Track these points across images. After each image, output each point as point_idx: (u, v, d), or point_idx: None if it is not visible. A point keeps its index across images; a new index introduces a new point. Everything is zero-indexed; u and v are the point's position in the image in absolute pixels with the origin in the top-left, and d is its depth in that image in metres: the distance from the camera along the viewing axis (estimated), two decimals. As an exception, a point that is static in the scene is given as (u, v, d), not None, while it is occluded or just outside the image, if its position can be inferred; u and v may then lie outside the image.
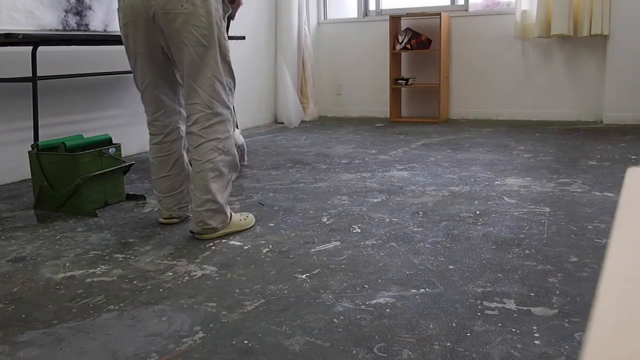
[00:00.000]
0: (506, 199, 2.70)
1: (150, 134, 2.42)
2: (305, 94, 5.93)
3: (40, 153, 2.74)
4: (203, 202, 2.21)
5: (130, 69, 2.56)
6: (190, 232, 2.29)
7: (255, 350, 1.41)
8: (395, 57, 5.65)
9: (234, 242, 2.22)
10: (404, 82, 5.59)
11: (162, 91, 2.34)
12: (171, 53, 2.21)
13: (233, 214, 2.35)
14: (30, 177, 3.38)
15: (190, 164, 2.34)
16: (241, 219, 2.36)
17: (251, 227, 2.38)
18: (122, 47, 4.08)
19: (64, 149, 2.72)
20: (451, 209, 2.57)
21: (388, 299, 1.67)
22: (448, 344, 1.41)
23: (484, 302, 1.63)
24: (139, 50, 2.23)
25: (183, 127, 2.43)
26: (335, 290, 1.74)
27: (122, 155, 2.92)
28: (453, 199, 2.73)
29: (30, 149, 2.79)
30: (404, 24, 5.77)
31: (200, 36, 2.12)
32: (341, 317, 1.56)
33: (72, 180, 2.66)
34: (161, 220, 2.49)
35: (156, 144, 2.41)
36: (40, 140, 3.00)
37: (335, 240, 2.20)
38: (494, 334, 1.45)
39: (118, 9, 2.24)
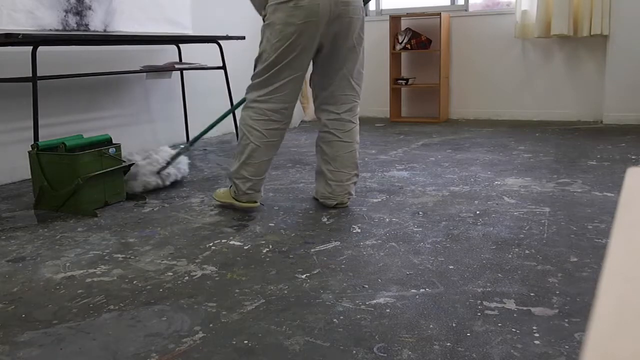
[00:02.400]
0: (506, 199, 2.70)
1: (271, 120, 2.49)
2: (305, 94, 5.93)
3: (40, 153, 2.74)
4: (352, 177, 2.64)
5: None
6: (335, 205, 2.62)
7: (255, 350, 1.41)
8: (395, 57, 5.65)
9: (234, 242, 2.22)
10: (404, 82, 5.59)
11: (302, 84, 2.55)
12: (336, 51, 2.49)
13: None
14: (30, 177, 3.38)
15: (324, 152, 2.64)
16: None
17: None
18: (122, 47, 4.09)
19: (64, 149, 2.72)
20: (451, 209, 2.57)
21: (388, 299, 1.67)
22: (448, 344, 1.41)
23: (484, 302, 1.63)
24: (307, 47, 2.41)
25: None
26: (335, 290, 1.74)
27: (122, 155, 2.92)
28: (453, 199, 2.74)
29: (30, 149, 2.79)
30: (404, 24, 5.77)
31: (363, 39, 2.57)
32: (341, 317, 1.56)
33: (72, 180, 2.66)
34: (243, 205, 2.58)
35: (273, 129, 2.52)
36: (40, 140, 3.00)
37: (335, 240, 2.20)
38: (494, 334, 1.45)
39: (300, 5, 2.33)
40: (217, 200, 2.69)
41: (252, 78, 2.50)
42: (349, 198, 2.65)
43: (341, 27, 2.43)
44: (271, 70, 2.43)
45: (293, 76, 2.45)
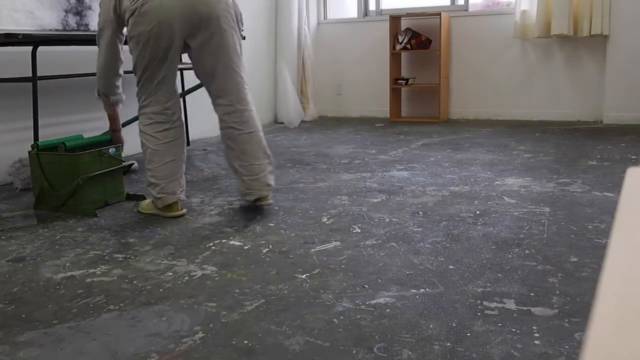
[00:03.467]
0: (506, 199, 2.70)
1: (156, 122, 2.54)
2: (305, 94, 5.93)
3: (40, 153, 2.74)
4: (265, 166, 2.61)
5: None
6: (255, 201, 2.61)
7: (255, 350, 1.41)
8: (395, 57, 5.65)
9: (234, 242, 2.22)
10: (404, 82, 5.59)
11: (174, 82, 2.57)
12: (206, 41, 2.46)
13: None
14: (30, 177, 3.36)
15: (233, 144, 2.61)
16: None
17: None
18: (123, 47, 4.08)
19: (64, 149, 2.72)
20: (451, 209, 2.57)
21: (388, 299, 1.67)
22: (448, 344, 1.41)
23: (484, 302, 1.63)
24: (168, 46, 2.44)
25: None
26: (335, 290, 1.74)
27: (122, 155, 2.92)
28: (453, 199, 2.74)
29: (30, 149, 2.79)
30: (404, 24, 5.77)
31: (236, 24, 2.54)
32: (341, 317, 1.56)
33: (72, 180, 2.66)
34: (165, 213, 2.56)
35: (163, 131, 2.54)
36: (40, 140, 2.99)
37: (335, 240, 2.20)
38: (494, 334, 1.45)
39: (143, 12, 2.38)
40: (142, 212, 2.65)
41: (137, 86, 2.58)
42: (268, 190, 2.63)
43: (201, 16, 2.42)
44: (143, 77, 2.50)
45: (162, 76, 2.50)
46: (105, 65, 2.63)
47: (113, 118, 2.93)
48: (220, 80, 2.54)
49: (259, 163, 2.59)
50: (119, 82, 2.74)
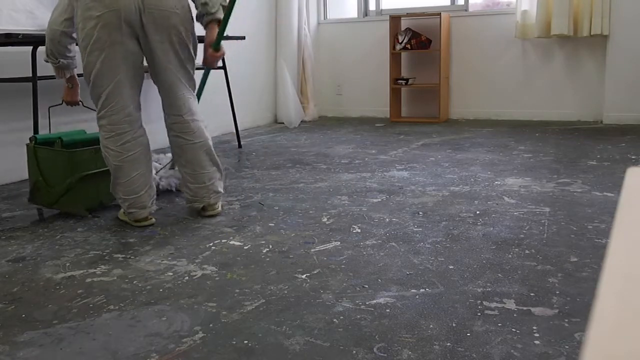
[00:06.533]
0: (506, 199, 2.70)
1: (118, 134, 2.39)
2: (305, 94, 5.93)
3: (37, 147, 2.67)
4: (212, 174, 2.54)
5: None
6: (202, 210, 2.54)
7: (255, 350, 1.41)
8: (395, 57, 5.65)
9: (234, 242, 2.22)
10: (404, 82, 5.59)
11: (136, 83, 2.42)
12: (154, 46, 2.35)
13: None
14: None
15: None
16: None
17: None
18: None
19: (60, 145, 2.66)
20: (451, 209, 2.57)
21: (388, 299, 1.67)
22: (448, 344, 1.41)
23: (484, 302, 1.63)
24: (116, 41, 2.27)
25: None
26: (335, 290, 1.74)
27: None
28: (453, 199, 2.74)
29: (29, 142, 2.73)
30: (404, 24, 5.77)
31: (185, 37, 2.41)
32: (341, 317, 1.56)
33: (67, 177, 2.60)
34: (136, 224, 2.46)
35: (125, 144, 2.40)
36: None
37: (335, 240, 2.20)
38: (494, 334, 1.45)
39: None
40: (120, 219, 2.56)
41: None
42: (216, 198, 2.56)
43: (152, 19, 2.30)
44: (92, 78, 2.33)
45: (116, 80, 2.32)
46: (62, 22, 2.39)
47: (70, 86, 2.71)
48: (171, 90, 2.45)
49: (205, 171, 2.51)
50: (72, 46, 2.51)
